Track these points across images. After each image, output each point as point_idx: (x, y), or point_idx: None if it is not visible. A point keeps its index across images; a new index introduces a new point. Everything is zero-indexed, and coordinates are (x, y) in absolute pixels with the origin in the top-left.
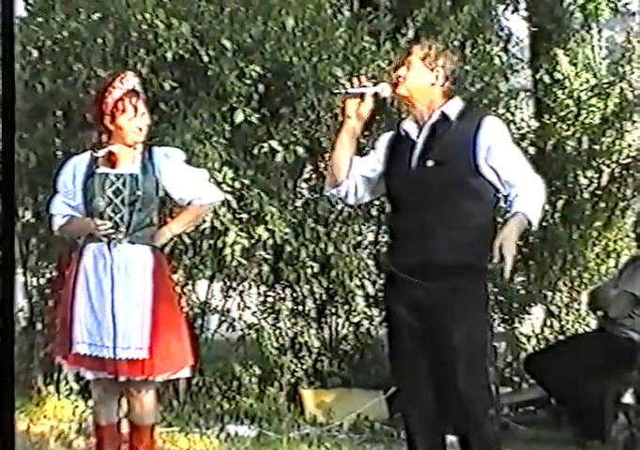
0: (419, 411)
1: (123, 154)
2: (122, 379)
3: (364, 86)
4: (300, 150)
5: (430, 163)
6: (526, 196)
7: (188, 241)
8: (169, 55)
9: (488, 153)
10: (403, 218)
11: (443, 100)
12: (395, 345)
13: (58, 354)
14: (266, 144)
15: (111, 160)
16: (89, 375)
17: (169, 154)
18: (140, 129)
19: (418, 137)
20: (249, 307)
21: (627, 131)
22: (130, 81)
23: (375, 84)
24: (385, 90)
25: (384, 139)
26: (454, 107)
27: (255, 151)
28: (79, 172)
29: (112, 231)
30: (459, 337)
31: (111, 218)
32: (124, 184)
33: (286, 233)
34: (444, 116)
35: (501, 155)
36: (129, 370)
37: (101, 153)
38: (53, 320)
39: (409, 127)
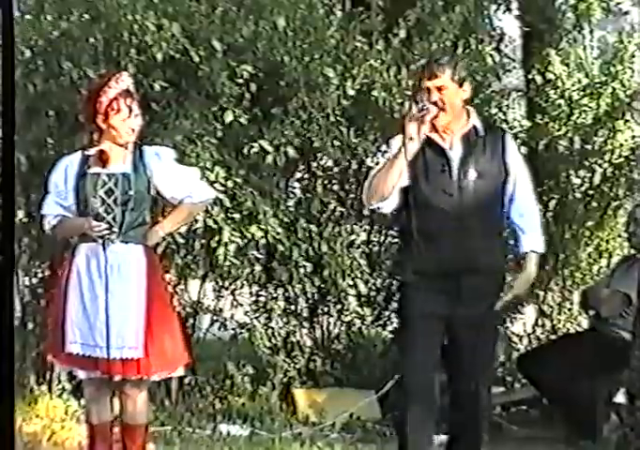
0: (419, 409)
1: (114, 153)
2: (117, 378)
3: (426, 109)
4: (291, 150)
5: (472, 175)
6: (535, 232)
7: (180, 241)
8: (160, 56)
9: (514, 180)
10: (438, 226)
11: (465, 109)
12: (409, 342)
13: (50, 354)
14: (256, 144)
15: (102, 159)
16: (82, 375)
17: (160, 153)
18: (132, 130)
19: (451, 148)
20: (242, 305)
21: (619, 131)
22: (125, 81)
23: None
24: (433, 112)
25: (397, 143)
26: (477, 120)
27: (246, 151)
28: (70, 172)
29: (107, 232)
30: (479, 337)
31: (103, 218)
32: (116, 184)
33: (279, 233)
34: (475, 129)
35: (521, 185)
36: (124, 370)
37: (92, 152)
38: (45, 319)
39: (433, 135)
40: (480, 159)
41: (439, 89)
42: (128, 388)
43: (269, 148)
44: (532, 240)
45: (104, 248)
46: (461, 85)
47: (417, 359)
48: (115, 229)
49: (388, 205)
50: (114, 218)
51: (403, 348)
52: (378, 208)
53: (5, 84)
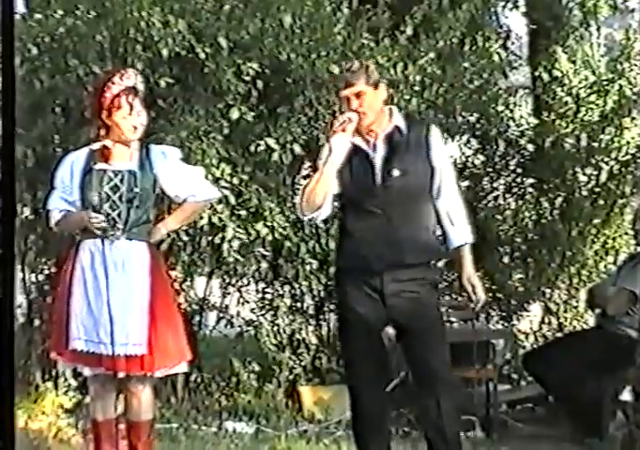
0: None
1: (118, 150)
2: (121, 375)
3: (347, 118)
4: (298, 147)
5: (396, 173)
6: (463, 223)
7: (186, 238)
8: (166, 52)
9: (440, 174)
10: (367, 223)
11: (387, 110)
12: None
13: (54, 350)
14: (262, 142)
15: (104, 154)
16: (86, 371)
17: (165, 152)
18: (134, 128)
19: (375, 150)
20: (248, 302)
21: (626, 128)
22: (131, 78)
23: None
24: (354, 119)
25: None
26: (401, 120)
27: (252, 148)
28: (76, 167)
29: (105, 224)
30: (426, 319)
31: (108, 215)
32: (122, 180)
33: (285, 229)
34: (397, 129)
35: (446, 180)
36: (128, 366)
37: (96, 146)
38: (50, 316)
39: (356, 140)
40: (404, 158)
41: (357, 95)
42: (132, 385)
43: (275, 145)
44: (462, 232)
45: (103, 243)
46: (376, 87)
47: (360, 366)
48: (120, 225)
49: (323, 214)
50: (118, 215)
51: (345, 349)
52: (313, 218)
53: (5, 81)
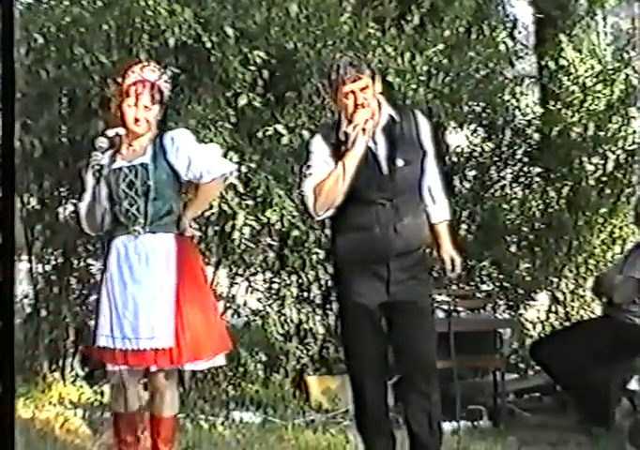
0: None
1: (134, 145)
2: (153, 369)
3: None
4: (306, 135)
5: (400, 163)
6: (443, 201)
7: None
8: (172, 41)
9: (428, 154)
10: (373, 215)
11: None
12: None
13: (86, 349)
14: (270, 128)
15: (119, 147)
16: (110, 366)
17: (174, 136)
18: (136, 120)
19: (375, 142)
20: (256, 291)
21: (632, 117)
22: (148, 72)
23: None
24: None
25: (321, 146)
26: (390, 108)
27: (260, 135)
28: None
29: (103, 162)
30: (421, 304)
31: (128, 211)
32: (136, 175)
33: (294, 217)
34: (391, 118)
35: (430, 159)
36: (156, 360)
37: (111, 133)
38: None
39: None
40: (404, 147)
41: (362, 90)
42: (157, 380)
43: (283, 132)
44: (442, 210)
45: (130, 240)
46: (374, 80)
47: (363, 357)
48: (141, 220)
49: (331, 210)
50: (137, 210)
51: (347, 340)
52: (322, 215)
53: (5, 74)
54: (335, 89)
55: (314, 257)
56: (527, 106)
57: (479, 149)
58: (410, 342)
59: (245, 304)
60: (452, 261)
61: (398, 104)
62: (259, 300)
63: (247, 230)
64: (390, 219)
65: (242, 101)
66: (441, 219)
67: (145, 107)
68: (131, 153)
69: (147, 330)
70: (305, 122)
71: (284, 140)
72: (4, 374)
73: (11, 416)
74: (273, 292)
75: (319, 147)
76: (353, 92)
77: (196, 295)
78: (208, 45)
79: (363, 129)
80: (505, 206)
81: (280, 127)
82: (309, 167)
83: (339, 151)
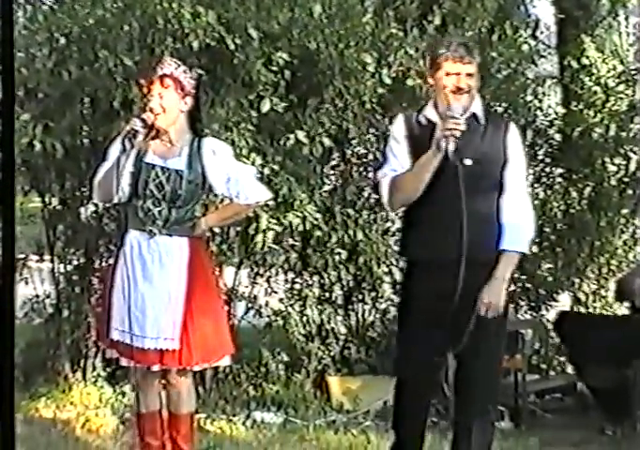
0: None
1: (166, 141)
2: (155, 368)
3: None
4: (327, 142)
5: (468, 161)
6: (520, 230)
7: (215, 228)
8: (195, 43)
9: (510, 166)
10: (434, 211)
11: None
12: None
13: (100, 340)
14: (292, 133)
15: (149, 133)
16: (124, 362)
17: (216, 149)
18: (151, 110)
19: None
20: (276, 292)
21: None
22: (165, 67)
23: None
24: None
25: (401, 130)
26: (480, 107)
27: (282, 138)
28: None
29: (138, 127)
30: (486, 323)
31: (149, 211)
32: (168, 179)
33: (317, 219)
34: (474, 116)
35: (515, 174)
36: (163, 360)
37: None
38: (95, 306)
39: (434, 117)
40: (479, 147)
41: (468, 75)
42: (172, 377)
43: (304, 140)
44: (517, 237)
45: (144, 237)
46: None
47: (419, 353)
48: (160, 222)
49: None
50: (159, 213)
51: (404, 335)
52: (397, 210)
53: (5, 74)
54: (437, 65)
55: (337, 257)
56: (549, 106)
57: None
58: (472, 371)
59: (267, 304)
60: (490, 305)
61: (491, 110)
62: (281, 300)
63: (270, 234)
64: (455, 219)
65: (265, 107)
66: (510, 248)
67: (160, 94)
68: (165, 150)
69: (154, 330)
70: (328, 128)
71: (305, 150)
72: (4, 374)
73: (11, 416)
74: (295, 292)
75: (400, 132)
76: (458, 73)
77: (207, 298)
78: (232, 47)
79: (452, 136)
80: None
81: (301, 135)
82: (387, 159)
83: (419, 135)
